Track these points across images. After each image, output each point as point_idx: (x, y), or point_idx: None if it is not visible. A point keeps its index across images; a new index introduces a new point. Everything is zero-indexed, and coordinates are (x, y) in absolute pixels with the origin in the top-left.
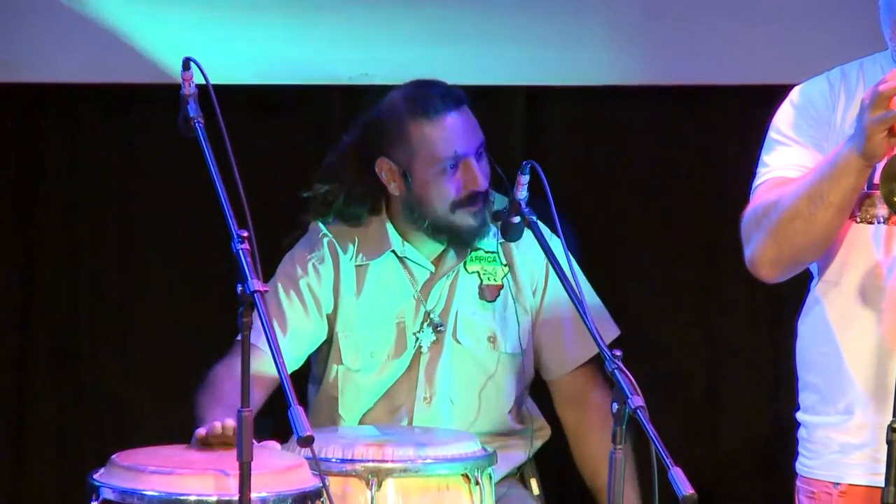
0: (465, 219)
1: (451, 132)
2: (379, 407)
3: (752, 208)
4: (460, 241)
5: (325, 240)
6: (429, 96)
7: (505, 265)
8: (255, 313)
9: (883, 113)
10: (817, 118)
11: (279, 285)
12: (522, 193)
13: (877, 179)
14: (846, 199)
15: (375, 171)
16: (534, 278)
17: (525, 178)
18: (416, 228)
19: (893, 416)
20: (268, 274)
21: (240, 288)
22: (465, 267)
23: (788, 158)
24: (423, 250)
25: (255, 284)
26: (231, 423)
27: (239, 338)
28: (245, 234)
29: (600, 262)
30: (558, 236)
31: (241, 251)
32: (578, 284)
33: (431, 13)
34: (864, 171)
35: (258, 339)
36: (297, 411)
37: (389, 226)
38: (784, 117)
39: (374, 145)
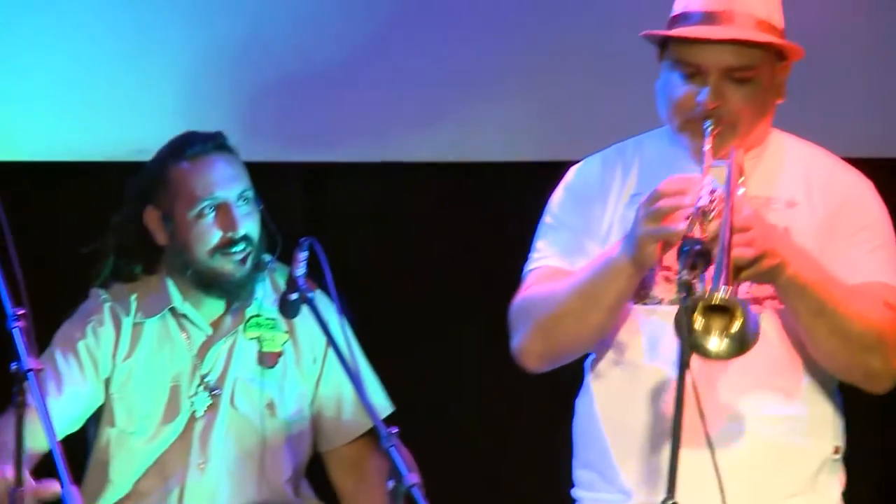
0: (224, 265)
1: (210, 173)
2: (152, 473)
3: (522, 298)
4: (227, 293)
5: (106, 304)
6: (190, 138)
7: (286, 332)
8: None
9: (657, 228)
10: (591, 200)
11: (56, 349)
12: (300, 270)
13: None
14: (618, 301)
15: (145, 224)
16: (314, 347)
17: (303, 255)
18: (186, 281)
19: (667, 494)
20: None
21: (14, 366)
22: (244, 331)
23: (561, 245)
24: (203, 311)
25: (30, 363)
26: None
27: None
28: (21, 312)
29: (380, 338)
30: (336, 312)
31: (16, 329)
32: (355, 360)
33: (207, 91)
34: (636, 276)
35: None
36: (70, 495)
37: (170, 282)
38: (558, 200)
39: (141, 196)
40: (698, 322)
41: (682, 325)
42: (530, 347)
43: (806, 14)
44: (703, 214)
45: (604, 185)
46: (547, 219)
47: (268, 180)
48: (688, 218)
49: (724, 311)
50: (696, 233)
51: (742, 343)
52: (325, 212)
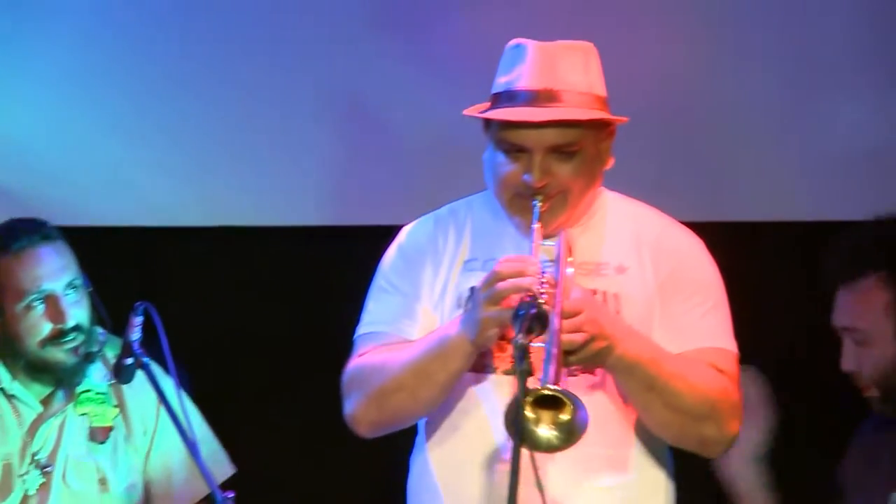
0: (56, 354)
1: (37, 266)
2: None
3: (355, 366)
4: (58, 380)
5: None
6: (15, 230)
7: (115, 406)
8: None
9: (498, 311)
10: (423, 263)
11: None
12: (135, 335)
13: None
14: (452, 379)
15: None
16: (145, 418)
17: (138, 320)
18: (17, 366)
19: None
20: None
21: None
22: (74, 407)
23: (392, 310)
24: (32, 389)
25: None
26: None
27: None
28: None
29: (216, 402)
30: (172, 377)
31: None
32: (191, 425)
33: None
34: (472, 355)
35: None
36: None
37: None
38: (390, 262)
39: None
40: (528, 414)
41: (514, 416)
42: (362, 416)
43: (633, 79)
44: (535, 299)
45: (436, 249)
46: (380, 281)
47: (100, 245)
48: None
49: (553, 401)
50: None
51: (571, 434)
52: (159, 276)
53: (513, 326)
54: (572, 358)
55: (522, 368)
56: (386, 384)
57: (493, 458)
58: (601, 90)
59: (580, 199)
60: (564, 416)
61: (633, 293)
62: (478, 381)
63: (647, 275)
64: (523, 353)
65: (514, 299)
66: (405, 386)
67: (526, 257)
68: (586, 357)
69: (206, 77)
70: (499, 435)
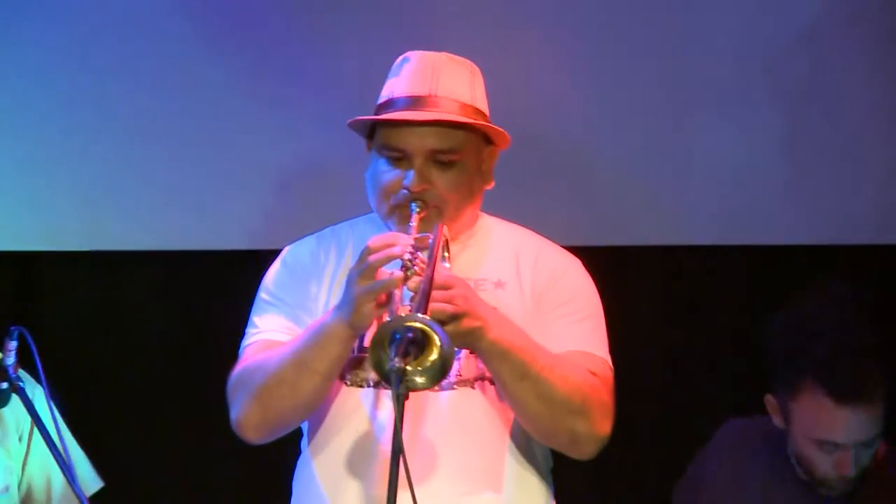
0: None
1: None
2: None
3: (238, 370)
4: None
5: None
6: None
7: None
8: None
9: (371, 284)
10: (306, 278)
11: None
12: (10, 359)
13: (367, 343)
14: (332, 368)
15: None
16: (20, 424)
17: (13, 344)
18: None
19: None
20: None
21: None
22: None
23: (276, 320)
24: None
25: None
26: None
27: None
28: None
29: (94, 427)
30: (46, 399)
31: None
32: (64, 443)
33: None
34: (350, 340)
35: None
36: None
37: None
38: (273, 277)
39: None
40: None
41: (395, 408)
42: (247, 419)
43: (511, 103)
44: (406, 270)
45: (318, 264)
46: (262, 295)
47: None
48: (401, 269)
49: (419, 343)
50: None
51: (442, 370)
52: (35, 299)
53: (388, 349)
54: (446, 329)
55: (398, 392)
56: (267, 381)
57: (373, 467)
58: (484, 107)
59: (458, 211)
60: (432, 357)
61: (511, 307)
62: (357, 395)
63: (525, 288)
64: (399, 377)
65: (385, 272)
66: (286, 379)
67: (397, 234)
68: (459, 334)
69: (92, 102)
70: (377, 444)
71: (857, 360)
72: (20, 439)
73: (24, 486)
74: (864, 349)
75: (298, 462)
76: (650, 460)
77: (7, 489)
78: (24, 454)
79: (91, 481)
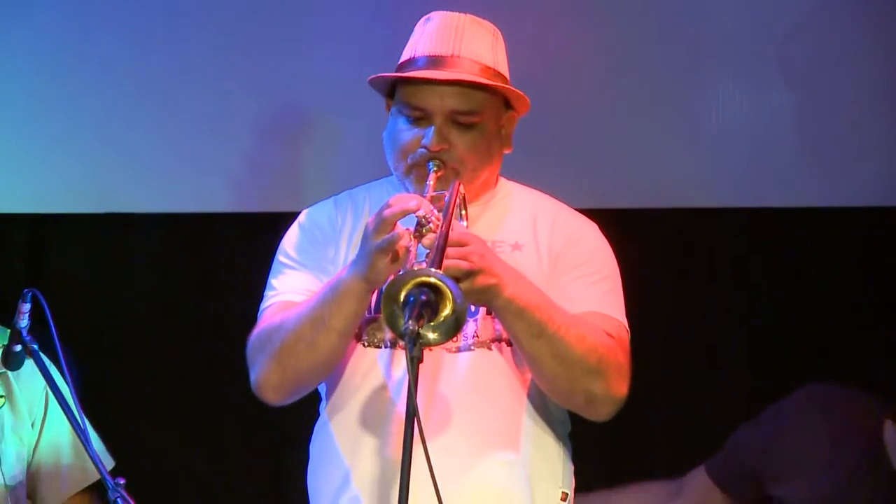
0: None
1: None
2: None
3: (257, 332)
4: None
5: None
6: None
7: (2, 396)
8: None
9: (386, 236)
10: (324, 241)
11: None
12: (23, 322)
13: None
14: (349, 324)
15: None
16: (33, 409)
17: (26, 307)
18: None
19: None
20: None
21: None
22: None
23: (295, 282)
24: None
25: None
26: None
27: None
28: None
29: (106, 393)
30: (60, 365)
31: None
32: (81, 413)
33: None
34: (366, 295)
35: None
36: None
37: None
38: (291, 240)
39: None
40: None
41: (409, 371)
42: (267, 379)
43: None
44: (421, 226)
45: (335, 228)
46: (280, 258)
47: None
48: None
49: (433, 300)
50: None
51: (458, 321)
52: (48, 262)
53: (402, 313)
54: (462, 285)
55: (413, 355)
56: (286, 339)
57: (389, 426)
58: (505, 71)
59: (475, 174)
60: (445, 312)
61: (528, 268)
62: (374, 355)
63: (542, 251)
64: (413, 340)
65: (401, 227)
66: (303, 337)
67: (414, 195)
68: (474, 291)
69: (100, 68)
70: (393, 405)
71: None
72: (32, 425)
73: (34, 467)
74: None
75: (315, 426)
76: (661, 423)
77: (17, 476)
78: (35, 438)
79: (104, 457)
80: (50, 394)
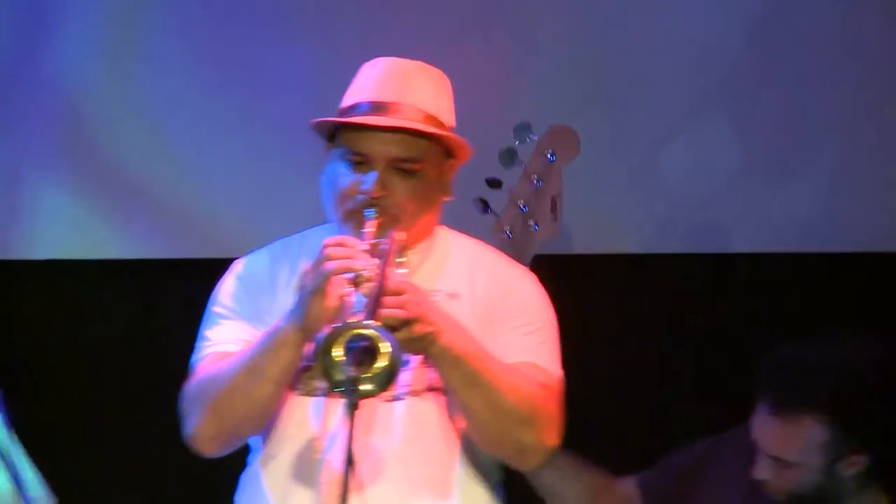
0: None
1: None
2: None
3: (191, 384)
4: None
5: None
6: None
7: None
8: None
9: (318, 277)
10: (260, 291)
11: None
12: None
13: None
14: (284, 374)
15: None
16: None
17: None
18: None
19: None
20: None
21: None
22: None
23: (230, 332)
24: None
25: None
26: None
27: None
28: None
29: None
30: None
31: None
32: (16, 452)
33: None
34: (301, 344)
35: None
36: None
37: None
38: (227, 290)
39: None
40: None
41: (348, 417)
42: (202, 431)
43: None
44: (358, 275)
45: (271, 278)
46: (214, 308)
47: None
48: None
49: (369, 350)
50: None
51: (392, 372)
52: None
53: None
54: (398, 335)
55: (351, 401)
56: (221, 391)
57: (320, 475)
58: (450, 120)
59: (414, 221)
60: (381, 363)
61: (464, 318)
62: (307, 404)
63: (478, 301)
64: (353, 386)
65: (332, 264)
66: (239, 387)
67: (351, 238)
68: (411, 339)
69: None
70: (326, 453)
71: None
72: None
73: None
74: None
75: (243, 476)
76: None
77: None
78: None
79: (41, 497)
80: None
